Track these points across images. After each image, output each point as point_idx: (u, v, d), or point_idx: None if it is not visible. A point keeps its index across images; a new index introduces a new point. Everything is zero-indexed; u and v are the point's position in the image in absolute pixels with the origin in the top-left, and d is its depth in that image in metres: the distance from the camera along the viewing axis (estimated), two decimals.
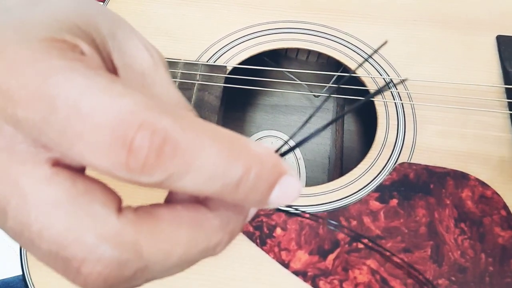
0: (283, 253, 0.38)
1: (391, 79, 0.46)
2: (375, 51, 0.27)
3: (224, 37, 0.49)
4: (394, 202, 0.40)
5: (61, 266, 0.15)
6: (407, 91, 0.46)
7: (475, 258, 0.38)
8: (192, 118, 0.14)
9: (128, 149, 0.13)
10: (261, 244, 0.38)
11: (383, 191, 0.40)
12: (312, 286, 0.37)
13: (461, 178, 0.41)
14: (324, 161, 0.58)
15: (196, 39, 0.49)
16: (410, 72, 0.47)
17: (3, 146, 0.15)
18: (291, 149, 0.18)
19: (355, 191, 0.41)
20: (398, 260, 0.37)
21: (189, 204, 0.16)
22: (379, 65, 0.47)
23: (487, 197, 0.40)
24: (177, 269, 0.16)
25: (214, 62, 0.48)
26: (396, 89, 0.46)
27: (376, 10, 0.51)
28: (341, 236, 0.38)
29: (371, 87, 0.46)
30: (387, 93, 0.46)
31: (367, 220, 0.39)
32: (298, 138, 0.17)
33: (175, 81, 0.46)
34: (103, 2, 0.53)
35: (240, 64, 0.48)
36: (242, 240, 0.38)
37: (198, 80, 0.46)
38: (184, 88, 0.46)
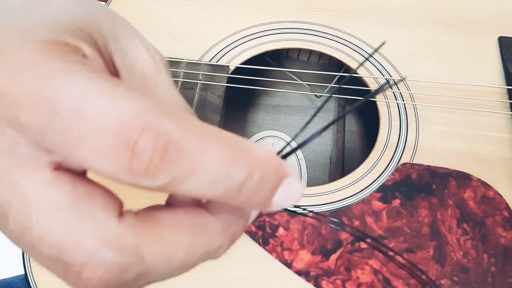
0: (286, 253, 0.38)
1: (391, 79, 0.46)
2: (375, 50, 0.27)
3: (226, 37, 0.49)
4: (396, 202, 0.40)
5: (62, 270, 0.14)
6: (409, 92, 0.46)
7: (477, 259, 0.38)
8: (194, 121, 0.14)
9: (131, 153, 0.13)
10: (264, 244, 0.38)
11: (385, 191, 0.40)
12: (315, 286, 0.37)
13: (463, 178, 0.41)
14: (325, 162, 0.59)
15: (198, 38, 0.49)
16: (412, 73, 0.47)
17: (5, 149, 0.15)
18: (293, 151, 0.18)
19: (357, 191, 0.41)
20: (402, 260, 0.37)
21: (190, 208, 0.16)
22: (381, 65, 0.48)
23: (489, 198, 0.40)
24: (178, 272, 0.16)
25: (216, 62, 0.48)
26: (398, 89, 0.46)
27: (377, 11, 0.51)
28: (343, 236, 0.38)
29: (373, 87, 0.46)
30: (389, 94, 0.46)
31: (369, 220, 0.39)
32: (300, 139, 0.17)
33: (178, 80, 0.46)
34: (105, 2, 0.53)
35: (242, 64, 0.48)
36: (244, 240, 0.38)
37: (200, 80, 0.46)
38: (187, 88, 0.46)
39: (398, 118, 0.44)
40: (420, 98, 0.45)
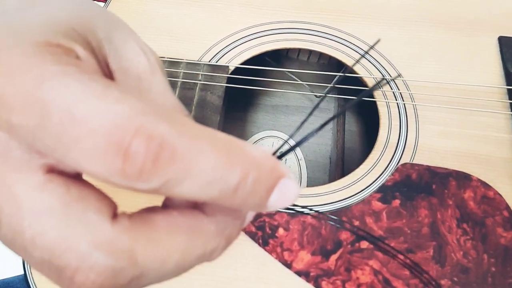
0: (286, 253, 0.38)
1: (389, 78, 0.46)
2: (371, 48, 0.27)
3: (226, 37, 0.49)
4: (396, 202, 0.40)
5: (55, 274, 0.14)
6: (409, 92, 0.46)
7: (477, 259, 0.38)
8: (189, 123, 0.14)
9: (124, 155, 0.13)
10: (264, 244, 0.38)
11: (385, 192, 0.40)
12: (315, 286, 0.37)
13: (463, 178, 0.41)
14: (325, 162, 0.58)
15: (198, 39, 0.49)
16: (412, 73, 0.47)
17: None
18: (290, 149, 0.18)
19: (357, 191, 0.41)
20: (406, 260, 0.37)
21: (185, 210, 0.16)
22: (381, 65, 0.47)
23: (490, 198, 0.40)
24: (173, 274, 0.16)
25: (216, 62, 0.48)
26: (398, 89, 0.46)
27: (377, 11, 0.51)
28: (343, 236, 0.38)
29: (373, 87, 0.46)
30: (389, 94, 0.46)
31: (369, 220, 0.39)
32: (298, 138, 0.17)
33: (177, 80, 0.46)
34: (105, 2, 0.53)
35: (242, 64, 0.48)
36: (244, 240, 0.38)
37: (200, 80, 0.46)
38: (187, 88, 0.46)
39: (398, 118, 0.44)
40: (420, 98, 0.45)
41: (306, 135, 0.17)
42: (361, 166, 0.42)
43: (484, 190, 0.40)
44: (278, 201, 0.15)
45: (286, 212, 0.39)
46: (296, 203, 0.39)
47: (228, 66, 0.47)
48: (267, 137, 0.60)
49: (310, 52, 0.60)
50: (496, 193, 0.40)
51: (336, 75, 0.53)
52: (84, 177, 0.16)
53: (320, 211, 0.40)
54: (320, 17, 0.51)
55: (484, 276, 0.37)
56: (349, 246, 0.38)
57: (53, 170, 0.15)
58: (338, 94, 0.56)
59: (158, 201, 0.18)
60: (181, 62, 0.47)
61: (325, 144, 0.60)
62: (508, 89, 0.45)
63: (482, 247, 0.38)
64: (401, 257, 0.37)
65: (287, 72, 0.57)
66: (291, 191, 0.15)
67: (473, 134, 0.43)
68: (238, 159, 0.14)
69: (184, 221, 0.16)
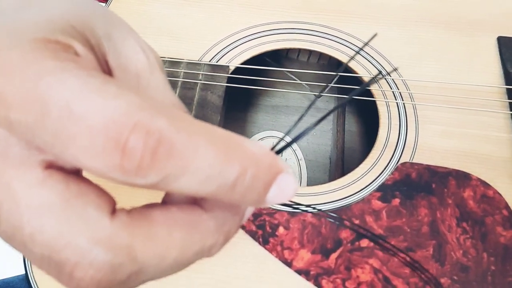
0: (286, 252, 0.38)
1: (389, 71, 0.47)
2: (366, 44, 0.27)
3: (226, 37, 0.49)
4: (396, 201, 0.40)
5: (54, 270, 0.14)
6: (408, 91, 0.46)
7: (477, 258, 0.38)
8: (187, 118, 0.14)
9: (122, 151, 0.13)
10: (264, 243, 0.38)
11: (385, 191, 0.40)
12: (315, 285, 0.37)
13: (463, 177, 0.41)
14: (325, 162, 0.59)
15: (198, 39, 0.49)
16: (412, 73, 0.47)
17: None
18: (287, 145, 0.18)
19: (357, 190, 0.41)
20: (407, 258, 0.37)
21: (183, 206, 0.16)
22: (382, 66, 0.48)
23: (489, 197, 0.40)
24: (172, 270, 0.16)
25: (216, 62, 0.48)
26: (398, 88, 0.46)
27: (377, 11, 0.51)
28: (343, 235, 0.38)
29: (373, 87, 0.47)
30: (389, 94, 0.46)
31: (369, 219, 0.39)
32: (300, 140, 0.17)
33: (178, 80, 0.46)
34: (105, 3, 0.53)
35: (242, 64, 0.48)
36: (244, 239, 0.38)
37: (200, 80, 0.46)
38: (187, 88, 0.46)
39: (398, 118, 0.45)
40: (419, 97, 0.45)
41: (304, 129, 0.17)
42: (361, 165, 0.42)
43: (484, 189, 0.40)
44: (276, 196, 0.15)
45: (286, 211, 0.39)
46: (296, 202, 0.39)
47: (228, 66, 0.47)
48: (267, 137, 0.60)
49: (310, 52, 0.60)
50: (496, 192, 0.40)
51: (337, 75, 0.53)
52: (84, 173, 0.16)
53: (320, 210, 0.40)
54: (320, 17, 0.51)
55: (483, 275, 0.37)
56: (349, 244, 0.38)
57: (52, 166, 0.15)
58: (338, 94, 0.56)
59: (158, 198, 0.18)
60: (182, 62, 0.47)
61: (325, 144, 0.60)
62: (508, 89, 0.45)
63: (481, 246, 0.38)
64: (402, 255, 0.37)
65: (287, 72, 0.57)
66: (289, 186, 0.15)
67: (473, 134, 0.44)
68: (237, 154, 0.14)
69: (183, 217, 0.16)
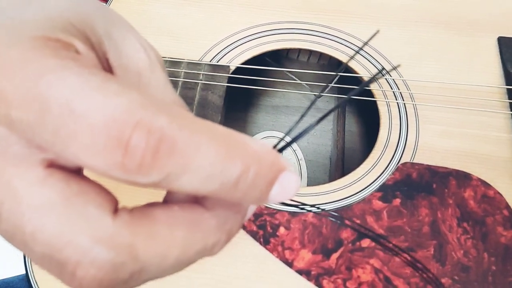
0: (287, 252, 0.38)
1: (389, 70, 0.47)
2: (365, 43, 0.27)
3: (226, 37, 0.49)
4: (397, 201, 0.40)
5: (56, 268, 0.14)
6: (409, 92, 0.46)
7: (477, 258, 0.38)
8: (189, 117, 0.14)
9: (124, 149, 0.13)
10: (265, 243, 0.38)
11: (386, 191, 0.40)
12: (316, 285, 0.37)
13: (463, 178, 0.41)
14: (325, 162, 0.59)
15: (199, 39, 0.49)
16: (412, 73, 0.47)
17: None
18: (287, 145, 0.18)
19: (358, 190, 0.41)
20: (409, 257, 0.37)
21: (185, 204, 0.16)
22: (382, 65, 0.48)
23: (490, 197, 0.40)
24: (174, 269, 0.16)
25: (217, 62, 0.48)
26: (398, 88, 0.46)
27: (377, 11, 0.51)
28: (344, 235, 0.38)
29: (373, 86, 0.47)
30: (389, 94, 0.46)
31: (370, 219, 0.39)
32: (300, 140, 0.17)
33: (179, 80, 0.46)
34: (106, 2, 0.53)
35: (242, 64, 0.48)
36: (245, 239, 0.38)
37: (201, 80, 0.46)
38: (188, 88, 0.46)
39: (398, 118, 0.45)
40: (420, 98, 0.46)
41: (304, 128, 0.17)
42: (362, 166, 0.42)
43: (484, 189, 0.40)
44: (279, 194, 0.15)
45: (287, 211, 0.39)
46: (301, 202, 0.39)
47: (229, 66, 0.47)
48: (268, 137, 0.60)
49: (310, 52, 0.60)
50: (496, 192, 0.40)
51: (337, 75, 0.53)
52: (85, 172, 0.16)
53: (321, 210, 0.40)
54: (320, 17, 0.51)
55: (484, 275, 0.37)
56: (350, 245, 0.38)
57: (53, 165, 0.15)
58: (338, 94, 0.56)
59: (160, 197, 0.18)
60: (182, 62, 0.47)
61: (325, 145, 0.60)
62: (508, 89, 0.45)
63: (482, 246, 0.38)
64: (405, 255, 0.37)
65: (287, 72, 0.57)
66: (291, 184, 0.15)
67: (473, 134, 0.44)
68: (239, 152, 0.14)
69: (185, 216, 0.16)
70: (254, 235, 0.39)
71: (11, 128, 0.14)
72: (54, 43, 0.15)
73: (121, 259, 0.14)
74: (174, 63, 0.47)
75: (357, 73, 0.48)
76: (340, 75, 0.52)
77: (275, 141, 0.59)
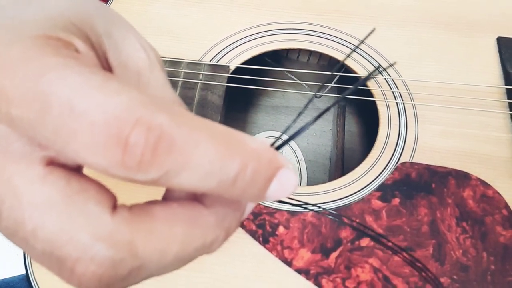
0: (286, 251, 0.38)
1: (385, 67, 0.47)
2: (362, 41, 0.27)
3: (226, 38, 0.50)
4: (396, 201, 0.40)
5: (56, 265, 0.14)
6: (408, 91, 0.46)
7: (476, 257, 0.38)
8: (187, 115, 0.14)
9: (123, 147, 0.13)
10: (264, 242, 0.38)
11: (385, 190, 0.41)
12: (315, 284, 0.37)
13: (462, 177, 0.41)
14: (325, 162, 0.59)
15: (199, 39, 0.50)
16: (412, 73, 0.47)
17: None
18: (285, 142, 0.18)
19: (357, 190, 0.41)
20: (407, 256, 0.37)
21: (184, 202, 0.16)
22: (381, 66, 0.48)
23: (489, 197, 0.40)
24: (173, 266, 0.16)
25: (217, 62, 0.48)
26: (397, 88, 0.46)
27: (377, 11, 0.51)
28: (343, 234, 0.38)
29: (372, 86, 0.47)
30: (388, 94, 0.46)
31: (369, 219, 0.39)
32: (296, 137, 0.17)
33: (178, 80, 0.46)
34: (106, 2, 0.53)
35: (242, 64, 0.48)
36: (244, 238, 0.39)
37: (201, 80, 0.46)
38: (187, 88, 0.46)
39: (398, 118, 0.45)
40: (419, 98, 0.46)
41: (303, 125, 0.17)
42: (361, 165, 0.42)
43: (484, 189, 0.40)
44: (277, 191, 0.15)
45: (286, 210, 0.39)
46: (304, 202, 0.39)
47: (228, 66, 0.47)
48: (268, 137, 0.60)
49: (310, 53, 0.61)
50: (495, 192, 0.40)
51: (337, 75, 0.53)
52: (85, 170, 0.16)
53: (320, 210, 0.40)
54: (320, 18, 0.51)
55: (483, 274, 0.37)
56: (349, 244, 0.38)
57: (54, 163, 0.15)
58: (338, 94, 0.56)
59: (159, 195, 0.18)
60: (182, 62, 0.47)
61: (325, 145, 0.60)
62: (507, 89, 0.46)
63: (481, 246, 0.38)
64: (404, 253, 0.37)
65: (287, 73, 0.57)
66: (290, 181, 0.15)
67: (472, 134, 0.44)
68: (237, 150, 0.14)
69: (184, 213, 0.16)
70: (253, 234, 0.39)
71: (12, 126, 0.14)
72: (54, 41, 0.15)
73: (120, 255, 0.14)
74: (174, 63, 0.47)
75: (357, 73, 0.48)
76: (340, 75, 0.52)
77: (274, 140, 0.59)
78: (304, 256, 0.38)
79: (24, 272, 0.38)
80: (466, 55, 0.48)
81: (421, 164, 0.42)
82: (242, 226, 0.39)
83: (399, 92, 0.46)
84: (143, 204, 0.16)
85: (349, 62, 0.48)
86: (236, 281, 0.37)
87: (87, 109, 0.13)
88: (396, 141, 0.43)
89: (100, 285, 0.14)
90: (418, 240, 0.38)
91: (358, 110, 0.61)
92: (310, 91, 0.60)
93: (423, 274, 0.37)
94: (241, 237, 0.39)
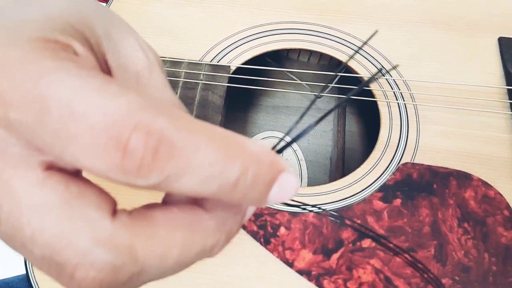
0: (287, 252, 0.38)
1: (388, 69, 0.47)
2: (365, 43, 0.27)
3: (227, 38, 0.49)
4: (397, 201, 0.40)
5: (55, 271, 0.14)
6: (409, 92, 0.46)
7: (478, 258, 0.38)
8: (187, 118, 0.14)
9: (123, 151, 0.13)
10: (265, 243, 0.38)
11: (386, 191, 0.40)
12: (316, 285, 0.37)
13: (464, 178, 0.41)
14: (325, 162, 0.59)
15: (199, 39, 0.49)
16: (412, 73, 0.47)
17: None
18: (287, 145, 0.18)
19: (358, 190, 0.41)
20: (408, 257, 0.37)
21: (184, 206, 0.16)
22: (382, 66, 0.48)
23: (490, 197, 0.40)
24: (174, 271, 0.16)
25: (217, 62, 0.48)
26: (399, 89, 0.46)
27: (377, 11, 0.51)
28: (345, 235, 0.38)
29: (373, 87, 0.47)
30: (390, 94, 0.46)
31: (371, 219, 0.39)
32: (300, 140, 0.17)
33: (179, 80, 0.46)
34: (106, 3, 0.53)
35: (243, 64, 0.48)
36: (246, 240, 0.38)
37: (202, 80, 0.46)
38: (188, 88, 0.46)
39: (399, 118, 0.45)
40: (420, 98, 0.46)
41: (304, 128, 0.17)
42: (362, 166, 0.42)
43: (485, 190, 0.40)
44: (278, 195, 0.15)
45: (287, 211, 0.39)
46: (303, 203, 0.39)
47: (229, 66, 0.47)
48: (268, 137, 0.60)
49: (311, 52, 0.60)
50: (497, 192, 0.40)
51: (337, 75, 0.53)
52: (84, 174, 0.16)
53: (321, 210, 0.40)
54: (320, 18, 0.51)
55: (485, 275, 0.37)
56: (350, 245, 0.38)
57: (52, 167, 0.15)
58: (338, 94, 0.56)
59: (159, 199, 0.18)
60: (183, 62, 0.47)
61: (326, 145, 0.60)
62: (508, 89, 0.45)
63: (483, 246, 0.38)
64: (406, 255, 0.37)
65: (287, 73, 0.57)
66: (290, 185, 0.15)
67: (473, 134, 0.44)
68: (238, 153, 0.14)
69: (184, 217, 0.16)
70: (254, 235, 0.39)
71: (10, 129, 0.14)
72: (53, 44, 0.15)
73: (120, 260, 0.14)
74: (175, 63, 0.47)
75: (358, 73, 0.48)
76: (341, 76, 0.52)
77: (275, 141, 0.59)
78: (306, 257, 0.38)
79: (24, 272, 0.38)
80: (467, 55, 0.48)
81: (423, 164, 0.42)
82: (244, 227, 0.39)
83: (401, 93, 0.46)
84: (143, 209, 0.16)
85: (350, 62, 0.48)
86: (237, 282, 0.37)
87: (86, 112, 0.13)
88: (397, 141, 0.43)
89: None
90: (420, 241, 0.38)
91: (358, 110, 0.61)
92: (311, 91, 0.59)
93: (425, 275, 0.37)
94: (242, 238, 0.38)
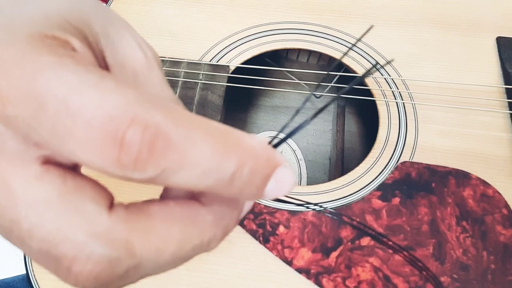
0: (286, 251, 0.38)
1: (383, 64, 0.47)
2: (359, 39, 0.27)
3: (226, 38, 0.50)
4: (396, 200, 0.40)
5: (52, 264, 0.14)
6: (408, 91, 0.46)
7: (477, 256, 0.38)
8: (184, 113, 0.14)
9: (119, 145, 0.13)
10: (264, 241, 0.38)
11: (385, 190, 0.41)
12: (315, 283, 0.37)
13: (462, 177, 0.41)
14: (325, 162, 0.59)
15: (199, 39, 0.50)
16: (412, 73, 0.47)
17: None
18: (283, 139, 0.18)
19: (357, 189, 0.41)
20: (407, 255, 0.37)
21: (182, 200, 0.16)
22: (381, 65, 0.48)
23: (489, 196, 0.40)
24: (171, 265, 0.16)
25: (217, 62, 0.48)
26: (397, 88, 0.46)
27: (377, 11, 0.51)
28: (344, 234, 0.39)
29: (372, 86, 0.47)
30: (388, 93, 0.46)
31: (369, 218, 0.39)
32: (297, 137, 0.17)
33: (178, 80, 0.46)
34: (106, 3, 0.53)
35: (242, 64, 0.48)
36: (245, 238, 0.39)
37: (201, 80, 0.46)
38: (188, 87, 0.46)
39: (398, 117, 0.45)
40: (419, 97, 0.46)
41: (300, 123, 0.17)
42: (361, 165, 0.42)
43: (484, 188, 0.40)
44: (274, 189, 0.15)
45: (286, 210, 0.39)
46: (306, 201, 0.39)
47: (228, 66, 0.47)
48: (268, 137, 0.60)
49: (310, 52, 0.61)
50: (495, 191, 0.40)
51: (337, 75, 0.53)
52: (82, 169, 0.16)
53: (320, 209, 0.40)
54: (320, 18, 0.51)
55: (483, 273, 0.37)
56: (349, 243, 0.38)
57: (49, 162, 0.15)
58: (338, 94, 0.56)
59: (157, 195, 0.18)
60: (182, 61, 0.47)
61: (325, 145, 0.60)
62: (507, 89, 0.46)
63: (481, 245, 0.38)
64: (405, 253, 0.37)
65: (287, 73, 0.57)
66: (287, 179, 0.15)
67: (472, 133, 0.44)
68: (234, 148, 0.14)
69: (181, 212, 0.16)
70: (253, 233, 0.39)
71: (7, 125, 0.14)
72: (51, 40, 0.15)
73: (117, 254, 0.14)
74: (174, 63, 0.47)
75: (357, 73, 0.48)
76: (340, 75, 0.52)
77: (275, 141, 0.59)
78: (305, 255, 0.38)
79: (24, 272, 0.38)
80: (466, 55, 0.48)
81: (421, 163, 0.42)
82: (243, 225, 0.39)
83: (399, 92, 0.46)
84: (140, 203, 0.16)
85: (349, 62, 0.48)
86: (236, 281, 0.37)
87: (83, 107, 0.13)
88: (396, 140, 0.43)
89: (97, 284, 0.14)
90: (418, 239, 0.38)
91: (357, 110, 0.61)
92: (310, 91, 0.60)
93: (424, 273, 0.37)
94: (241, 236, 0.39)
